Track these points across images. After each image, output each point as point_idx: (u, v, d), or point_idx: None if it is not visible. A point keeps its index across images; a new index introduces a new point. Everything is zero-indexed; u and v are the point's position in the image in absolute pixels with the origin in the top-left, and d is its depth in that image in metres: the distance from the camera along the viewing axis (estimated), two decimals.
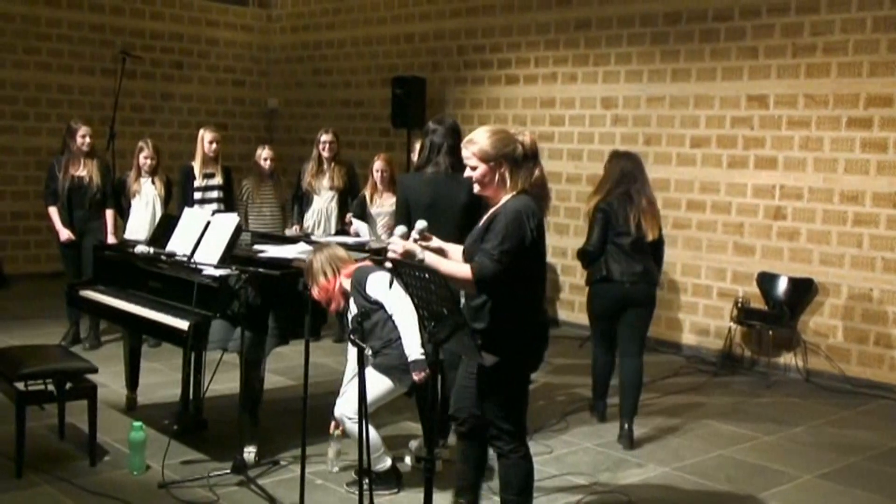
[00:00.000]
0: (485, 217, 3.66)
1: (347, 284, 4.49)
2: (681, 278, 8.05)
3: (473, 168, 3.62)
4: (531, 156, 3.65)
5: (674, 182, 8.05)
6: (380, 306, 4.42)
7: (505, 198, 3.61)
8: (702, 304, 7.92)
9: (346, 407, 4.38)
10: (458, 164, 5.15)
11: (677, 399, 6.56)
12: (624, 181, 5.59)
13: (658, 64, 8.16)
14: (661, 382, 7.00)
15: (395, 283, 4.09)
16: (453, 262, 3.61)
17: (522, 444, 3.76)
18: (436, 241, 3.69)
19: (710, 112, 7.81)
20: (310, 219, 7.48)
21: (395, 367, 4.38)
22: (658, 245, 5.72)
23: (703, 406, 6.41)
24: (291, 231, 7.29)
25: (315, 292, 4.49)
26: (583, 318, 8.65)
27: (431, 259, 3.50)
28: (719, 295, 7.79)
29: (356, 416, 4.37)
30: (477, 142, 3.60)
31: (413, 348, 4.30)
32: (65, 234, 7.06)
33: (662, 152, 8.13)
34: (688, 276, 8.00)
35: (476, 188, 3.67)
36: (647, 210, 5.57)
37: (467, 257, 3.63)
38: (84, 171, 7.06)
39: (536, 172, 3.67)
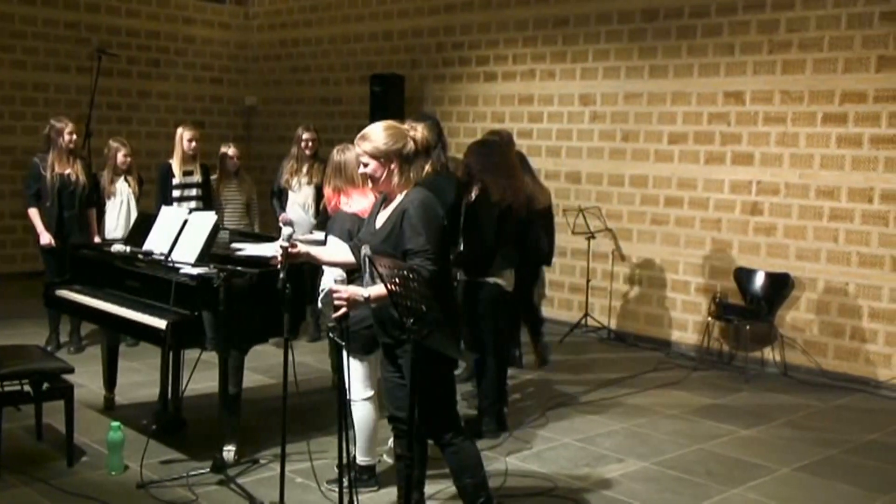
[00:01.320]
0: (384, 213, 3.73)
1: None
2: (659, 274, 8.09)
3: (366, 164, 3.70)
4: (422, 151, 3.75)
5: (652, 178, 8.09)
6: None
7: (401, 193, 3.69)
8: (680, 299, 7.96)
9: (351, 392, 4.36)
10: (445, 162, 5.16)
11: (656, 394, 6.60)
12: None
13: (636, 60, 8.19)
14: (641, 377, 7.03)
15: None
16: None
17: (460, 429, 3.84)
18: (302, 248, 3.83)
19: (687, 108, 7.85)
20: (289, 214, 7.46)
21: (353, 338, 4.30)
22: None
23: (682, 401, 6.44)
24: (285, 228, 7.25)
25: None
26: (563, 315, 8.71)
27: (374, 290, 3.53)
28: (697, 290, 7.84)
29: (357, 398, 4.38)
30: (369, 139, 3.68)
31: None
32: (46, 237, 6.84)
33: (640, 149, 8.16)
34: (666, 272, 8.04)
35: (370, 184, 3.79)
36: None
37: (357, 252, 3.77)
38: (70, 169, 6.92)
39: (427, 167, 3.73)
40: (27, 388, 4.67)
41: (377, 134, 3.67)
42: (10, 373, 4.59)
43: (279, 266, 3.78)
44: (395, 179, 3.68)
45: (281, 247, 3.74)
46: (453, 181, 5.18)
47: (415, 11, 10.15)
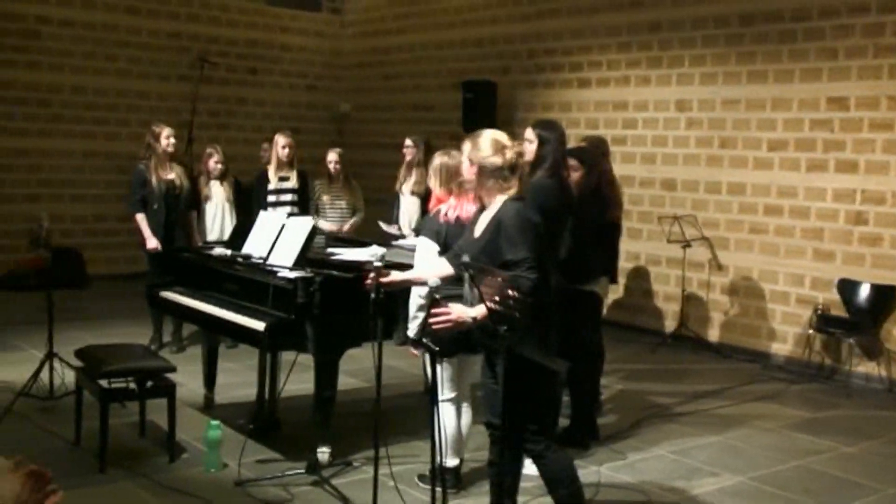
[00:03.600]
0: (482, 222, 3.74)
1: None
2: (757, 284, 7.89)
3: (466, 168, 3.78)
4: (514, 168, 3.72)
5: (750, 186, 7.91)
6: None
7: (496, 203, 3.69)
8: (779, 310, 7.75)
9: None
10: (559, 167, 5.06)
11: (753, 407, 6.43)
12: None
13: (733, 66, 8.02)
14: (737, 389, 6.86)
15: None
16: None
17: (553, 442, 3.80)
18: (395, 275, 3.90)
19: (787, 115, 7.65)
20: (400, 220, 7.65)
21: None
22: None
23: (779, 415, 6.27)
24: (391, 229, 7.37)
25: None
26: (657, 325, 8.58)
27: (481, 311, 3.51)
28: (797, 301, 7.62)
29: (439, 399, 4.38)
30: (471, 144, 3.74)
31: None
32: (153, 242, 7.03)
33: (738, 156, 7.98)
34: (765, 282, 7.84)
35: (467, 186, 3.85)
36: None
37: (454, 261, 3.80)
38: (173, 174, 7.12)
39: (515, 188, 3.72)
40: (132, 385, 4.80)
41: (478, 141, 3.74)
42: (117, 370, 4.75)
43: (369, 289, 3.83)
44: (487, 188, 3.71)
45: (371, 269, 3.80)
46: (563, 186, 5.08)
47: (506, 18, 10.16)
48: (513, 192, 3.70)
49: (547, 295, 3.62)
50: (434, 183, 4.61)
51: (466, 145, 3.78)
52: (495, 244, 3.62)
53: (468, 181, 3.80)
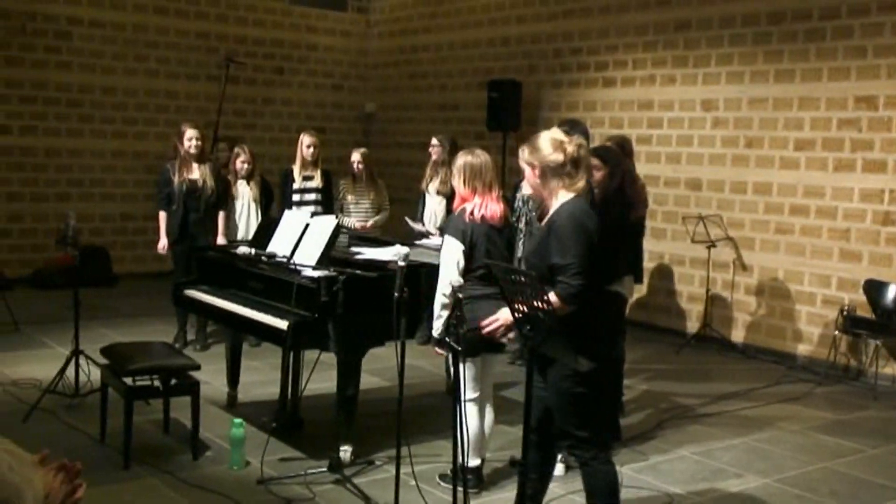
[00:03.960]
0: (543, 224, 3.72)
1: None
2: (783, 284, 7.83)
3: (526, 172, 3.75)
4: (573, 163, 3.66)
5: (776, 186, 7.84)
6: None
7: (556, 204, 3.65)
8: (805, 311, 7.68)
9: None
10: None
11: (778, 408, 6.38)
12: None
13: (760, 65, 7.96)
14: (761, 390, 6.82)
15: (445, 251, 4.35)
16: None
17: (603, 450, 3.74)
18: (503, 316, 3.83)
19: (815, 114, 7.58)
20: (426, 219, 7.66)
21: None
22: None
23: (805, 416, 6.21)
24: (417, 226, 7.40)
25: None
26: (681, 325, 8.53)
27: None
28: (823, 302, 7.54)
29: (466, 398, 4.39)
30: (528, 147, 3.71)
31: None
32: (162, 242, 7.19)
33: (765, 155, 7.92)
34: (790, 283, 7.77)
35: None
36: None
37: (527, 265, 3.73)
38: (197, 174, 7.18)
39: (580, 183, 3.66)
40: (157, 383, 4.85)
41: (535, 143, 3.71)
42: (141, 368, 4.80)
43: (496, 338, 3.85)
44: (551, 189, 3.67)
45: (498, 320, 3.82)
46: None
47: (533, 17, 10.14)
48: (579, 185, 3.65)
49: (598, 299, 3.59)
50: (458, 182, 4.61)
51: (524, 152, 3.73)
52: (546, 246, 3.60)
53: (532, 186, 3.76)
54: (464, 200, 4.57)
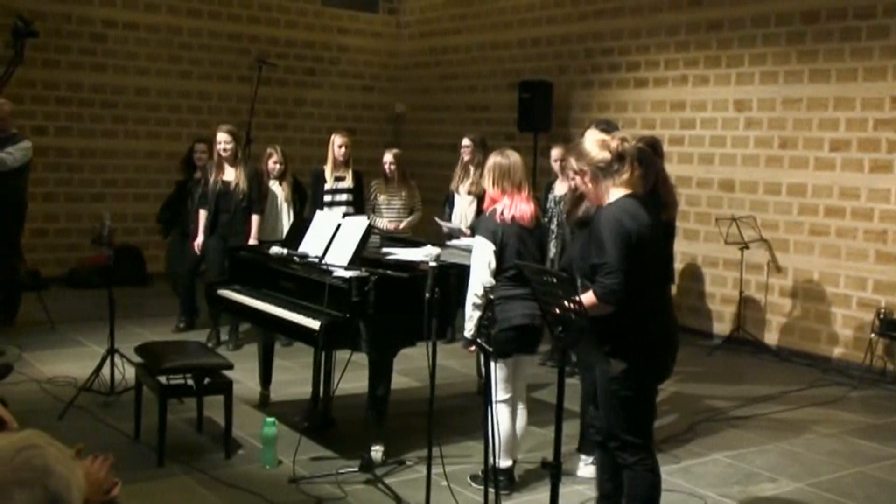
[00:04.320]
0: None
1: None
2: (817, 287, 7.74)
3: (572, 178, 3.77)
4: (618, 160, 3.63)
5: (811, 187, 7.76)
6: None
7: (603, 205, 3.63)
8: (840, 313, 7.59)
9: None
10: None
11: (812, 412, 6.31)
12: None
13: (794, 65, 7.88)
14: (796, 394, 6.74)
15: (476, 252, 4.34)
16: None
17: (648, 456, 3.70)
18: None
19: (851, 114, 7.49)
20: (454, 220, 7.60)
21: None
22: None
23: (840, 420, 6.14)
24: (449, 225, 7.39)
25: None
26: (714, 327, 8.46)
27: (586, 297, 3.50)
28: (859, 305, 7.45)
29: (497, 399, 4.38)
30: (573, 151, 3.73)
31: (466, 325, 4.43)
32: (198, 241, 7.33)
33: (799, 156, 7.84)
34: (825, 285, 7.68)
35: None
36: None
37: (575, 266, 3.73)
38: (231, 176, 7.29)
39: (625, 175, 3.62)
40: (190, 382, 4.89)
41: (579, 149, 3.71)
42: (175, 367, 4.84)
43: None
44: (603, 191, 3.65)
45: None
46: None
47: (563, 18, 10.11)
48: (626, 177, 3.61)
49: (641, 301, 3.55)
50: (488, 182, 4.61)
51: (570, 161, 3.71)
52: (588, 245, 3.62)
53: (587, 196, 3.74)
54: (493, 201, 4.58)
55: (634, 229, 3.50)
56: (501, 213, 4.47)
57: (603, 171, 3.61)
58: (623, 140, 3.67)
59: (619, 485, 3.87)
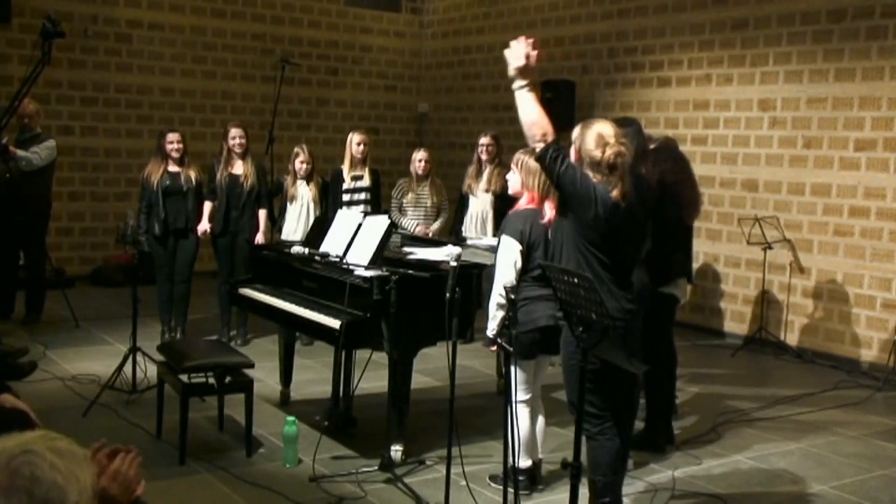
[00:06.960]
0: None
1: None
2: (841, 288, 7.67)
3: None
4: (608, 167, 3.72)
5: (836, 187, 7.69)
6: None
7: None
8: (864, 315, 7.52)
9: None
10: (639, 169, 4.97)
11: (836, 414, 6.26)
12: None
13: (820, 63, 7.81)
14: (819, 395, 6.69)
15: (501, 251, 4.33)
16: None
17: (611, 427, 3.84)
18: None
19: (876, 113, 7.41)
20: (467, 220, 7.49)
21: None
22: None
23: (864, 422, 6.08)
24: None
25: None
26: (736, 328, 8.41)
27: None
28: (884, 306, 7.38)
29: (517, 399, 4.37)
30: (581, 130, 3.87)
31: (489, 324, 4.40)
32: (202, 227, 7.37)
33: (824, 156, 7.77)
34: (849, 286, 7.61)
35: None
36: None
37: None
38: (240, 170, 7.38)
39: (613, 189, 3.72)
40: (212, 380, 4.92)
41: (586, 130, 3.82)
42: (197, 366, 4.87)
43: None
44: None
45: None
46: (639, 182, 4.98)
47: (587, 17, 10.08)
48: (615, 193, 3.67)
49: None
50: (532, 181, 4.48)
51: (576, 129, 3.85)
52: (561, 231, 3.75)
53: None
54: (532, 200, 4.50)
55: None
56: (542, 215, 4.40)
57: (588, 164, 3.74)
58: (618, 155, 3.72)
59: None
